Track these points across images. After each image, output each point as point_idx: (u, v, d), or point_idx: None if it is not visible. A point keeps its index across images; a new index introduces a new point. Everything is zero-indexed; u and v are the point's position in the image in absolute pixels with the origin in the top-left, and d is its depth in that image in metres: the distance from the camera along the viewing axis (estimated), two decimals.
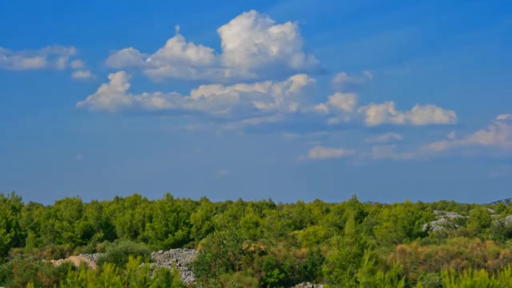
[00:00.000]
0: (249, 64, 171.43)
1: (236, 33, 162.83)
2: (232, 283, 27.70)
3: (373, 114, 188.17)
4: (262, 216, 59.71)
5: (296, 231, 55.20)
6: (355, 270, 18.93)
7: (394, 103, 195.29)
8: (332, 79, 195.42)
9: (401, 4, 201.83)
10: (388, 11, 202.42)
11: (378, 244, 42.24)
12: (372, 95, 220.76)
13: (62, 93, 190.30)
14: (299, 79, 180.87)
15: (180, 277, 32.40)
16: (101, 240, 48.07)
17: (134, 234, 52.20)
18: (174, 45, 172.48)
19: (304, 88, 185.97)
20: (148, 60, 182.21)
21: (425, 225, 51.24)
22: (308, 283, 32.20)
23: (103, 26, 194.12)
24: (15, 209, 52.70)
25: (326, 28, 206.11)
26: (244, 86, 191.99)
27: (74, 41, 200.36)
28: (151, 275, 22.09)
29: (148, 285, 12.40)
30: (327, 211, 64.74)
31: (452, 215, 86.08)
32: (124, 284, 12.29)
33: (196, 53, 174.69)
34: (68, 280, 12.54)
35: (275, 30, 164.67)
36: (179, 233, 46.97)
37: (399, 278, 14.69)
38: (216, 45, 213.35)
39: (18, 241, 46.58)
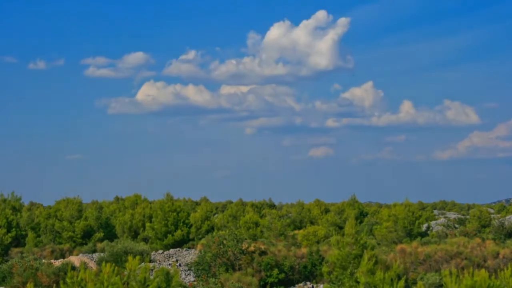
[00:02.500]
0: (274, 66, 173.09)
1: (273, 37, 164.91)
2: (232, 283, 27.67)
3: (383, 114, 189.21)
4: (262, 216, 59.68)
5: (296, 231, 55.19)
6: (355, 270, 18.91)
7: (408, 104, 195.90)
8: (355, 78, 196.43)
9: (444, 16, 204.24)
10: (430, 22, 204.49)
11: (378, 244, 42.23)
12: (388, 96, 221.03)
13: (61, 93, 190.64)
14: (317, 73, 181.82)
15: (180, 277, 32.39)
16: (101, 240, 48.02)
17: (134, 234, 52.16)
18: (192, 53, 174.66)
19: (316, 90, 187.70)
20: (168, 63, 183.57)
21: (425, 225, 51.22)
22: (308, 283, 32.18)
23: (119, 27, 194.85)
24: (16, 209, 52.68)
25: (365, 34, 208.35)
26: (255, 86, 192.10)
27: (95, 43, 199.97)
28: (151, 275, 22.03)
29: (148, 285, 12.39)
30: (327, 211, 64.72)
31: (452, 215, 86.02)
32: (124, 284, 12.28)
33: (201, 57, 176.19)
34: (68, 280, 12.53)
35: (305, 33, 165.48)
36: (178, 233, 46.91)
37: (399, 278, 14.68)
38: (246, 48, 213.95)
39: (19, 241, 46.55)
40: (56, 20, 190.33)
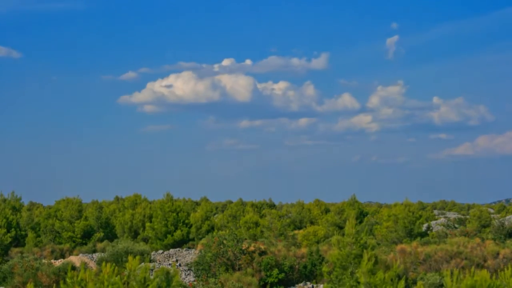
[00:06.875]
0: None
1: None
2: (232, 283, 27.67)
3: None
4: (262, 216, 59.68)
5: (296, 231, 55.19)
6: (356, 270, 18.87)
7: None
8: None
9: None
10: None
11: (378, 244, 42.21)
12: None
13: (61, 93, 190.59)
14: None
15: (180, 277, 32.37)
16: (101, 240, 48.02)
17: (134, 234, 52.16)
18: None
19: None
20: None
21: (425, 225, 51.22)
22: (308, 283, 32.16)
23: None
24: (15, 209, 52.66)
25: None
26: (263, 87, 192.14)
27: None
28: (151, 275, 21.99)
29: (148, 285, 12.37)
30: (327, 211, 64.73)
31: (452, 215, 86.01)
32: (124, 284, 12.27)
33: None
34: (68, 280, 12.52)
35: None
36: (178, 233, 46.91)
37: (399, 278, 14.68)
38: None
39: (19, 241, 46.53)
40: None
